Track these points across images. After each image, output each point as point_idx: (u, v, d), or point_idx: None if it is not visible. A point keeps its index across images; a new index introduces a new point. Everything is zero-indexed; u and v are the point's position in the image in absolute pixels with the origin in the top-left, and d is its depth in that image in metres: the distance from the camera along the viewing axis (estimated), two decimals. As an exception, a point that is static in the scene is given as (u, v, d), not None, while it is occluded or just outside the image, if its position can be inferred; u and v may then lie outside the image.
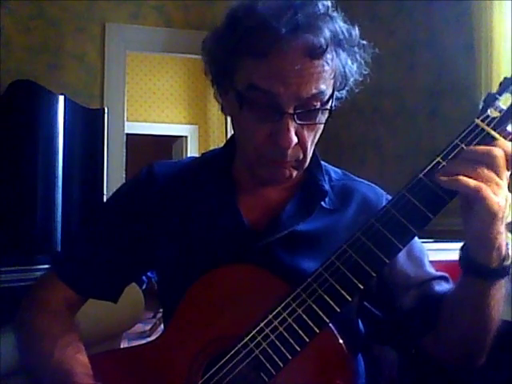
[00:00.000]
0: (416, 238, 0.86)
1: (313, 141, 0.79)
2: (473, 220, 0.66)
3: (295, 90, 0.72)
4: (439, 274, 0.87)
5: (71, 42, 3.06)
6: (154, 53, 4.21)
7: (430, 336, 0.82)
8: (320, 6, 0.74)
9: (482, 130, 0.68)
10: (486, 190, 0.63)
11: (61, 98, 2.73)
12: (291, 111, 0.73)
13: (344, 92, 0.82)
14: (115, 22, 3.15)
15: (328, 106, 0.76)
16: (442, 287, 0.84)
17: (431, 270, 0.87)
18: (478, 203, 0.64)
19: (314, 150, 0.84)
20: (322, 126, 0.79)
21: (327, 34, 0.73)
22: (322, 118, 0.77)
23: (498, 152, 0.64)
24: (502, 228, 0.67)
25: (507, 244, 0.70)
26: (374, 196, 0.90)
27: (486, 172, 0.64)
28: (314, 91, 0.73)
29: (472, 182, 0.63)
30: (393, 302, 0.85)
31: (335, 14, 0.76)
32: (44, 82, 2.75)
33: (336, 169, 0.95)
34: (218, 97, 0.86)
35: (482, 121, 0.68)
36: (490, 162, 0.64)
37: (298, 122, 0.74)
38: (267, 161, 0.78)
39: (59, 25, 3.04)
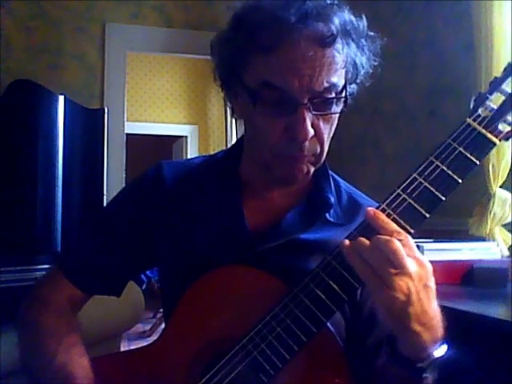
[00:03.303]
0: None
1: (329, 134, 0.78)
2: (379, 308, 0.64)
3: (308, 81, 0.72)
4: None
5: (71, 42, 3.06)
6: (154, 53, 4.22)
7: None
8: None
9: (474, 129, 0.69)
10: (377, 282, 0.61)
11: (61, 98, 2.73)
12: (306, 102, 0.72)
13: (355, 87, 0.81)
14: (115, 22, 3.15)
15: (342, 95, 0.76)
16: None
17: None
18: (373, 295, 0.63)
19: (325, 160, 0.83)
20: (336, 120, 0.79)
21: (336, 22, 0.73)
22: (337, 108, 0.77)
23: (395, 245, 0.62)
24: (415, 325, 0.62)
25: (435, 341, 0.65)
26: None
27: (379, 262, 0.61)
28: (327, 80, 0.73)
29: (367, 270, 0.62)
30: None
31: (343, 5, 0.76)
32: (44, 81, 2.75)
33: (345, 182, 0.94)
34: (229, 102, 0.85)
35: (474, 120, 0.69)
36: (386, 253, 0.61)
37: (314, 112, 0.74)
38: (284, 158, 0.77)
39: (59, 25, 3.03)
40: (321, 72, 0.72)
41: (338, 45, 0.74)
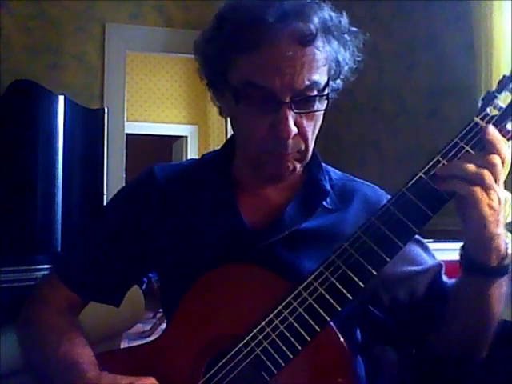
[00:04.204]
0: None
1: (313, 131, 0.79)
2: (467, 221, 0.68)
3: (289, 79, 0.72)
4: (434, 263, 0.88)
5: (71, 42, 3.06)
6: (154, 53, 4.22)
7: (433, 332, 0.82)
8: None
9: (482, 128, 0.68)
10: (479, 194, 0.65)
11: (61, 98, 2.73)
12: (288, 101, 0.73)
13: (340, 82, 0.82)
14: (115, 22, 3.15)
15: (325, 93, 0.76)
16: (445, 281, 0.86)
17: (426, 259, 0.88)
18: (470, 206, 0.65)
19: (315, 150, 0.84)
20: (321, 116, 0.79)
21: (316, 20, 0.74)
22: (320, 106, 0.77)
23: (497, 160, 0.65)
24: (499, 229, 0.68)
25: (506, 243, 0.70)
26: (374, 196, 0.90)
27: (484, 176, 0.65)
28: (308, 78, 0.73)
29: (466, 186, 0.65)
30: (396, 302, 0.86)
31: (322, 3, 0.77)
32: (44, 82, 2.75)
33: (335, 170, 0.95)
34: (216, 100, 0.86)
35: (482, 119, 0.68)
36: (489, 168, 0.65)
37: (296, 111, 0.74)
38: (269, 155, 0.78)
39: (59, 25, 3.04)
40: (302, 70, 0.73)
41: (319, 43, 0.74)
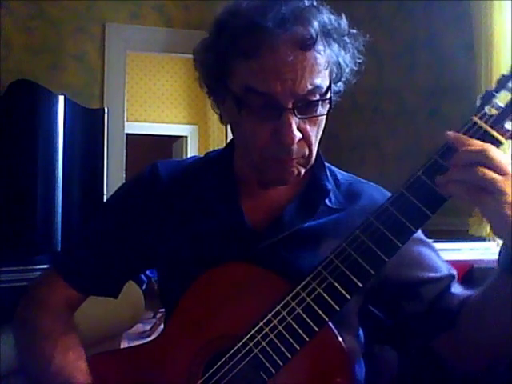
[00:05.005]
0: (419, 236, 0.86)
1: (316, 136, 0.79)
2: (489, 221, 0.65)
3: (291, 85, 0.72)
4: (448, 272, 0.86)
5: (71, 42, 3.06)
6: (154, 53, 4.21)
7: (444, 338, 0.80)
8: (305, 0, 0.75)
9: (480, 127, 0.67)
10: (483, 195, 0.62)
11: (61, 98, 2.73)
12: (290, 106, 0.73)
13: (341, 85, 0.82)
14: (115, 22, 3.15)
15: (327, 97, 0.76)
16: (458, 289, 0.84)
17: (441, 266, 0.86)
18: (480, 208, 0.63)
19: (318, 150, 0.84)
20: (324, 120, 0.79)
21: (315, 24, 0.73)
22: (323, 110, 0.77)
23: (490, 148, 0.63)
24: None
25: None
26: (381, 198, 0.88)
27: (482, 173, 0.62)
28: (310, 83, 0.73)
29: (465, 191, 0.62)
30: (402, 306, 0.84)
31: (321, 6, 0.76)
32: (44, 81, 2.75)
33: (342, 171, 0.94)
34: (216, 107, 0.86)
35: (480, 118, 0.68)
36: (485, 162, 0.62)
37: (299, 116, 0.74)
38: (273, 161, 0.77)
39: (59, 25, 3.03)
40: (303, 75, 0.72)
41: (320, 46, 0.74)
